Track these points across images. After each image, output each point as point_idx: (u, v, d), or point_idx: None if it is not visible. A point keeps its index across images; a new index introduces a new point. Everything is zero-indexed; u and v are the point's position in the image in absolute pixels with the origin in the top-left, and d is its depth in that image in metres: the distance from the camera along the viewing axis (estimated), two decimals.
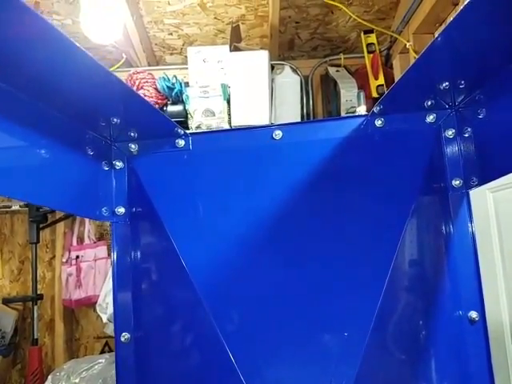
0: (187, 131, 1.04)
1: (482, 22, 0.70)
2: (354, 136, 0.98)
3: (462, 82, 0.88)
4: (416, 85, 0.90)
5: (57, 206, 1.06)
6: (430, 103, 0.95)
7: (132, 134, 1.02)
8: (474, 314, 0.89)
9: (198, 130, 2.23)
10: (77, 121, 0.95)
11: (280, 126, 1.03)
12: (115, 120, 0.96)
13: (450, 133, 0.95)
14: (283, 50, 2.88)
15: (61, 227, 2.87)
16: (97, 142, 1.01)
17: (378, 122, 0.97)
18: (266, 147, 1.02)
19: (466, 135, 0.93)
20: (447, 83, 0.88)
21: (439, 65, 0.83)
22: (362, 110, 1.11)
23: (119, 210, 1.01)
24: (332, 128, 1.01)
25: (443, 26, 2.09)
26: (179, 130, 1.02)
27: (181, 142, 1.03)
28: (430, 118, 0.96)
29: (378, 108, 0.96)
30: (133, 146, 1.03)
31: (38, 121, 0.85)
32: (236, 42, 2.51)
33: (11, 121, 0.77)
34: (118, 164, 1.03)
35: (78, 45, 0.71)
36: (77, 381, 2.18)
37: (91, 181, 0.99)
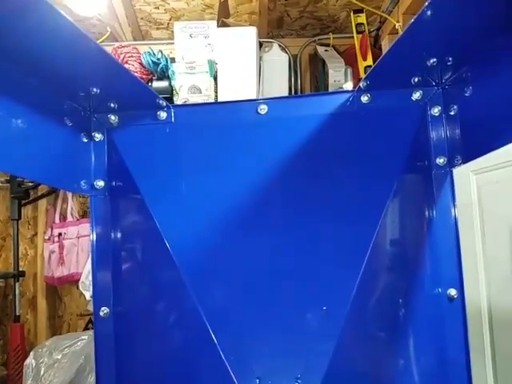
0: (170, 104, 1.01)
1: None
2: (340, 112, 0.97)
3: (450, 59, 0.87)
4: (403, 60, 0.88)
5: (34, 177, 1.04)
6: (416, 80, 0.93)
7: (112, 105, 0.99)
8: (452, 292, 0.90)
9: None
10: (55, 90, 0.91)
11: (265, 101, 1.00)
12: (95, 90, 0.93)
13: (435, 110, 0.94)
14: (272, 28, 2.83)
15: (43, 204, 2.82)
16: (76, 112, 0.97)
17: (364, 98, 0.96)
18: (250, 122, 1.00)
19: (452, 113, 0.92)
20: (435, 59, 0.87)
21: (425, 39, 0.82)
22: (348, 86, 1.10)
23: (98, 183, 0.99)
24: (318, 103, 0.99)
25: None
26: (161, 102, 0.99)
27: (163, 114, 1.00)
28: (417, 95, 0.95)
29: (365, 83, 0.94)
30: (113, 117, 1.00)
31: (15, 89, 0.82)
32: (224, 17, 2.46)
33: None
34: (98, 136, 1.00)
35: (57, 8, 0.67)
36: (59, 357, 2.18)
37: (70, 152, 0.97)
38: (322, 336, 0.88)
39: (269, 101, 1.01)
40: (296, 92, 2.56)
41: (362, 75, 2.41)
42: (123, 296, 0.98)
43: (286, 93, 2.47)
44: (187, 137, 1.01)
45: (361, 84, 0.94)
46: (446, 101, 0.93)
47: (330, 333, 0.86)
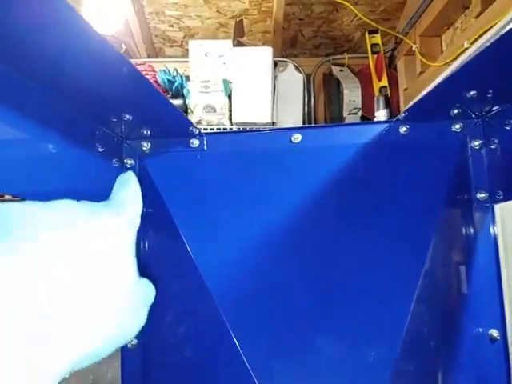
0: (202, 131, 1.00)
1: None
2: (377, 142, 0.95)
3: (490, 91, 0.86)
4: (444, 95, 0.87)
5: None
6: (456, 112, 0.92)
7: (144, 132, 0.97)
8: (494, 333, 0.87)
9: (200, 126, 2.18)
10: (88, 115, 0.89)
11: (299, 129, 0.99)
12: (127, 116, 0.91)
13: (476, 143, 0.92)
14: (285, 47, 2.85)
15: None
16: (108, 138, 0.96)
17: (403, 129, 0.94)
18: (284, 150, 0.98)
19: (493, 146, 0.91)
20: (474, 92, 0.86)
21: (469, 77, 0.80)
22: (380, 114, 1.08)
23: None
24: (353, 133, 0.97)
25: (451, 30, 2.07)
26: (194, 130, 0.98)
27: (195, 142, 0.98)
28: (456, 127, 0.93)
29: (404, 115, 0.93)
30: (145, 144, 0.98)
31: (48, 114, 0.80)
32: (239, 36, 2.47)
33: (18, 111, 0.71)
34: (129, 162, 0.98)
35: (95, 29, 0.65)
36: (67, 376, 2.12)
37: (101, 178, 0.95)
38: (370, 375, 0.85)
39: (303, 130, 0.99)
40: (310, 111, 2.57)
41: (377, 94, 2.42)
42: (152, 327, 0.94)
43: (300, 112, 2.47)
44: (219, 165, 0.99)
45: (399, 115, 0.93)
46: (487, 134, 0.91)
47: (377, 377, 0.83)
